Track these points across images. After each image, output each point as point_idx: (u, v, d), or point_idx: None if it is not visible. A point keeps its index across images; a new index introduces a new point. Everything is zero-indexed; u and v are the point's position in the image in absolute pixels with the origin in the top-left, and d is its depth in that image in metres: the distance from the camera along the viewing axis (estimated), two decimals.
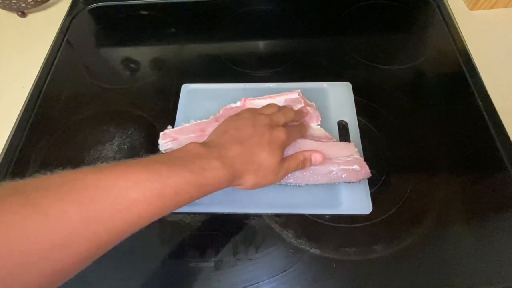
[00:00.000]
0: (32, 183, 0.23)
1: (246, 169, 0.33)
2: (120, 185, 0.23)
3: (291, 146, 0.42)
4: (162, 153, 0.31)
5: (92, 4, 0.69)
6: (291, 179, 0.42)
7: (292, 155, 0.39)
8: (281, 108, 0.42)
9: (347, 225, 0.41)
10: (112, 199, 0.23)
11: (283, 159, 0.37)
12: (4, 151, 0.49)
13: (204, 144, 0.33)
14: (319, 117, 0.47)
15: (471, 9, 0.62)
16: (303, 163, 0.39)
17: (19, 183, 0.24)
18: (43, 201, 0.21)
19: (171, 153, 0.30)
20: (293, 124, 0.42)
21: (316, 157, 0.40)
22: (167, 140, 0.45)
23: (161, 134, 0.46)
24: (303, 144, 0.43)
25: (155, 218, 0.25)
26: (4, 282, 0.19)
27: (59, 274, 0.22)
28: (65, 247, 0.21)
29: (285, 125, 0.39)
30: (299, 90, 0.49)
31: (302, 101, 0.48)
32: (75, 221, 0.21)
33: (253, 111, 0.40)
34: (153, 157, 0.28)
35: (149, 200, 0.24)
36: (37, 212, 0.21)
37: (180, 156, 0.29)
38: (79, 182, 0.23)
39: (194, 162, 0.29)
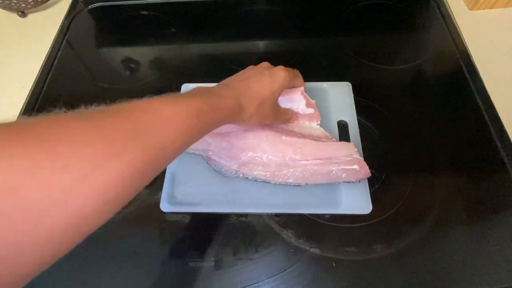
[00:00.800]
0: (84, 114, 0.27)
1: (250, 102, 0.37)
2: (156, 106, 0.27)
3: (292, 142, 0.42)
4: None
5: (92, 4, 0.69)
6: (291, 179, 0.42)
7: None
8: None
9: (347, 225, 0.41)
10: (151, 116, 0.26)
11: (280, 107, 0.43)
12: None
13: (215, 86, 0.37)
14: (319, 116, 0.47)
15: (471, 9, 0.62)
16: (288, 115, 0.45)
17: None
18: (97, 117, 0.25)
19: (187, 92, 0.34)
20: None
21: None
22: None
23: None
24: (304, 145, 0.43)
25: (189, 136, 0.29)
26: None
27: (115, 186, 0.22)
28: (118, 156, 0.22)
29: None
30: (302, 88, 0.48)
31: (304, 101, 0.48)
32: (124, 132, 0.24)
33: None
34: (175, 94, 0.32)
35: (180, 116, 0.28)
36: (94, 125, 0.24)
37: (195, 91, 0.33)
38: (125, 108, 0.27)
39: (209, 92, 0.34)
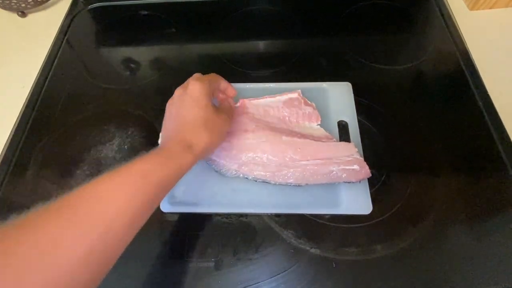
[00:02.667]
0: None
1: (196, 133, 0.35)
2: (95, 188, 0.28)
3: (291, 141, 0.42)
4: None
5: (92, 4, 0.69)
6: (291, 179, 0.42)
7: (220, 101, 0.43)
8: None
9: (347, 225, 0.41)
10: (89, 202, 0.27)
11: (217, 108, 0.39)
12: (4, 151, 0.49)
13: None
14: (319, 117, 0.47)
15: (471, 9, 0.62)
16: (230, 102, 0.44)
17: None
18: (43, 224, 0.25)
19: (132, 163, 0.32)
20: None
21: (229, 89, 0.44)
22: None
23: (161, 134, 0.46)
24: (304, 145, 0.43)
25: (139, 203, 0.28)
26: None
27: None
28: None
29: None
30: (299, 90, 0.49)
31: (302, 101, 0.48)
32: (56, 231, 0.24)
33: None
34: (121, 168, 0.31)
35: (121, 189, 0.28)
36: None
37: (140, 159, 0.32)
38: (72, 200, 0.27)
39: (150, 153, 0.32)
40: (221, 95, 0.44)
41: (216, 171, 0.44)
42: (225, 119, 0.39)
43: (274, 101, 0.48)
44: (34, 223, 0.24)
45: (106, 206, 0.26)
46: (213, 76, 0.42)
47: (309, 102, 0.48)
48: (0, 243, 0.22)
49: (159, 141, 0.45)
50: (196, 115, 0.36)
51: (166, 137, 0.36)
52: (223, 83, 0.44)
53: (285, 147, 0.43)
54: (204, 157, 0.36)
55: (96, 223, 0.25)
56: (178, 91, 0.39)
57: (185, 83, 0.40)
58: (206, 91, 0.37)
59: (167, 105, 0.40)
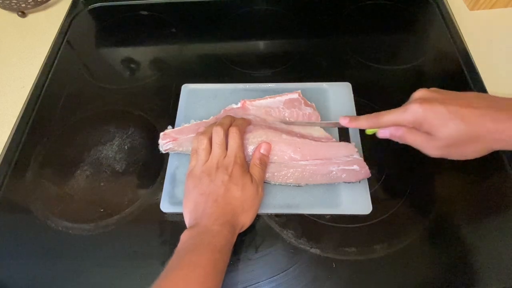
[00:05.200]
0: None
1: (236, 214, 0.38)
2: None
3: (290, 148, 0.42)
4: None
5: (92, 4, 0.69)
6: (291, 179, 0.42)
7: (250, 166, 0.41)
8: (222, 127, 0.41)
9: (347, 225, 0.41)
10: None
11: (250, 176, 0.40)
12: (4, 151, 0.49)
13: (193, 228, 0.37)
14: (319, 117, 0.47)
15: (471, 9, 0.62)
16: (262, 162, 0.41)
17: None
18: None
19: (186, 248, 0.35)
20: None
21: (264, 147, 0.42)
22: (167, 140, 0.45)
23: (161, 134, 0.46)
24: (304, 144, 0.43)
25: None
26: None
27: None
28: None
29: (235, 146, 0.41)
30: (299, 90, 0.49)
31: (302, 101, 0.48)
32: None
33: (200, 165, 0.40)
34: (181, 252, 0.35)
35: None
36: None
37: (187, 247, 0.35)
38: None
39: (201, 241, 0.35)
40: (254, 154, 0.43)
41: None
42: (259, 190, 0.40)
43: (274, 102, 0.48)
44: None
45: None
46: (240, 135, 0.41)
47: (309, 103, 0.48)
48: None
49: (160, 141, 0.45)
50: (238, 200, 0.38)
51: (204, 216, 0.37)
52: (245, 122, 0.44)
53: (285, 146, 0.43)
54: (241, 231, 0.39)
55: None
56: (211, 167, 0.39)
57: (216, 154, 0.40)
58: (246, 170, 0.40)
59: (195, 174, 0.40)
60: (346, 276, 0.38)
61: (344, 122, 0.40)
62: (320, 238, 0.40)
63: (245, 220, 0.38)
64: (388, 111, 0.37)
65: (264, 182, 0.42)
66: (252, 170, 0.41)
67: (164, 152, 0.46)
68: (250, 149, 0.43)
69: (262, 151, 0.42)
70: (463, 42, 0.57)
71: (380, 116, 0.37)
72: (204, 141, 0.41)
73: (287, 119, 0.47)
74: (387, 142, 0.47)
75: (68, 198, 0.45)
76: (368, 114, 0.39)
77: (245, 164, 0.40)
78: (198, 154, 0.41)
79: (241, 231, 0.39)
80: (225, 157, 0.40)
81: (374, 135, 0.40)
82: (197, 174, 0.40)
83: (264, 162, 0.42)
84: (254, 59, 0.59)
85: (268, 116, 0.47)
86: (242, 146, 0.41)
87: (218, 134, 0.40)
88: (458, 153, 0.36)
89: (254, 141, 0.43)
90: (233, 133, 0.41)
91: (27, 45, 0.64)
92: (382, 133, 0.39)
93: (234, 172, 0.39)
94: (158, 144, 0.46)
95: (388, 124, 0.37)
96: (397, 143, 0.48)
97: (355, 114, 0.49)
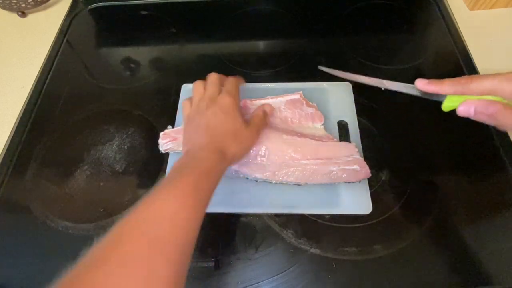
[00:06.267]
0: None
1: (226, 142, 0.36)
2: (159, 208, 0.29)
3: (291, 140, 0.42)
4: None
5: (92, 4, 0.69)
6: (292, 178, 0.42)
7: (252, 113, 0.43)
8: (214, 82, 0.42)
9: (347, 225, 0.41)
10: (159, 224, 0.28)
11: (248, 120, 0.40)
12: (4, 150, 0.49)
13: (183, 156, 0.36)
14: (322, 117, 0.47)
15: (471, 9, 0.62)
16: (265, 114, 0.43)
17: None
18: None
19: (172, 172, 0.34)
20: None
21: (267, 108, 0.44)
22: (167, 140, 0.45)
23: (161, 134, 0.46)
24: (304, 144, 0.43)
25: (198, 212, 0.30)
26: None
27: None
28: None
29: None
30: (301, 91, 0.49)
31: (304, 102, 0.48)
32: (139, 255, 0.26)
33: (194, 105, 0.41)
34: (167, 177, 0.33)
35: (182, 207, 0.29)
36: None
37: (178, 170, 0.33)
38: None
39: (188, 164, 0.34)
40: (250, 105, 0.45)
41: None
42: (253, 133, 0.39)
43: (275, 102, 0.48)
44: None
45: (172, 227, 0.27)
46: (235, 83, 0.42)
47: (311, 103, 0.48)
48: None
49: (159, 141, 0.45)
50: (227, 128, 0.37)
51: (195, 145, 0.37)
52: (239, 81, 0.45)
53: (285, 146, 0.43)
54: (234, 163, 0.38)
55: (174, 242, 0.27)
56: (203, 102, 0.40)
57: (209, 91, 0.40)
58: (236, 105, 0.39)
59: (190, 114, 0.41)
60: (346, 276, 0.38)
61: (421, 85, 0.34)
62: (320, 238, 0.40)
63: (236, 150, 0.37)
64: (481, 75, 0.30)
65: (264, 182, 0.42)
66: (252, 117, 0.41)
67: (164, 152, 0.46)
68: (251, 150, 0.43)
69: (265, 109, 0.44)
70: (463, 42, 0.57)
71: (471, 80, 0.30)
72: (200, 86, 0.42)
73: (289, 119, 0.47)
74: (387, 142, 0.47)
75: (68, 198, 0.45)
76: (454, 78, 0.31)
77: (238, 100, 0.40)
78: (193, 97, 0.41)
79: (233, 161, 0.37)
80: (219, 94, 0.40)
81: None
82: (191, 114, 0.40)
83: (266, 115, 0.43)
84: (254, 59, 0.59)
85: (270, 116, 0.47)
86: (237, 90, 0.41)
87: (213, 76, 0.42)
88: None
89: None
90: (230, 79, 0.42)
91: (27, 45, 0.64)
92: (466, 108, 0.31)
93: (225, 104, 0.38)
94: (158, 144, 0.46)
95: (480, 92, 0.30)
96: (396, 143, 0.47)
97: (355, 114, 0.49)
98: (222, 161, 0.35)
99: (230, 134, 0.37)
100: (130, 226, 0.27)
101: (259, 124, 0.41)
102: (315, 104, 0.48)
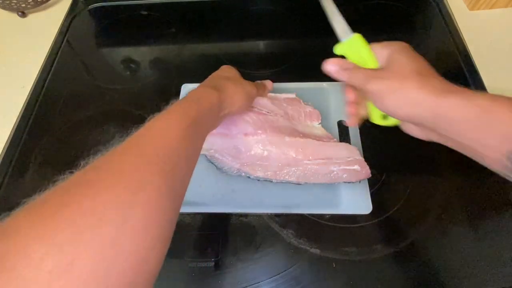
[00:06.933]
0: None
1: (221, 81, 0.38)
2: (149, 126, 0.30)
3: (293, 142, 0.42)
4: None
5: (92, 4, 0.69)
6: (293, 177, 0.42)
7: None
8: None
9: (347, 225, 0.41)
10: (149, 137, 0.29)
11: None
12: (4, 151, 0.49)
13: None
14: (319, 115, 0.47)
15: (471, 9, 0.62)
16: (260, 86, 0.45)
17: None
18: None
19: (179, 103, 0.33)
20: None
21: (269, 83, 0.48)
22: None
23: None
24: (306, 144, 0.43)
25: (189, 136, 0.29)
26: None
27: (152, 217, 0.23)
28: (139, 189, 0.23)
29: None
30: (295, 92, 0.49)
31: (301, 100, 0.48)
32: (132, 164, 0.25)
33: None
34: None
35: (174, 124, 0.29)
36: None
37: (178, 103, 0.33)
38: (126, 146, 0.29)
39: (186, 99, 0.33)
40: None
41: (218, 169, 0.44)
42: (250, 82, 0.41)
43: (276, 100, 0.48)
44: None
45: (162, 142, 0.27)
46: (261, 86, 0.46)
47: (305, 103, 0.48)
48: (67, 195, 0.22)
49: None
50: (224, 76, 0.40)
51: (211, 84, 0.38)
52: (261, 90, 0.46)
53: (287, 148, 0.43)
54: (231, 106, 0.37)
55: (161, 160, 0.26)
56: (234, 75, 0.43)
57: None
58: (233, 69, 0.43)
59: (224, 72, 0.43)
60: (346, 276, 0.38)
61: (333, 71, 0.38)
62: (320, 238, 0.40)
63: (233, 90, 0.37)
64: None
65: (265, 181, 0.42)
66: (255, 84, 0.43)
67: None
68: (253, 152, 0.43)
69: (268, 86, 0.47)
70: (463, 42, 0.57)
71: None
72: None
73: (290, 114, 0.47)
74: (387, 142, 0.47)
75: None
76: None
77: (235, 70, 0.43)
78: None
79: (232, 106, 0.37)
80: None
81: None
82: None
83: (262, 88, 0.46)
84: (254, 59, 0.59)
85: (271, 113, 0.47)
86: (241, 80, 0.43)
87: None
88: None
89: (257, 142, 0.43)
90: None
91: (27, 45, 0.64)
92: (328, 66, 0.38)
93: (230, 70, 0.43)
94: None
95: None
96: (396, 143, 0.48)
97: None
98: (213, 94, 0.34)
99: (223, 77, 0.39)
100: (123, 144, 0.28)
101: (252, 87, 0.42)
102: (310, 104, 0.48)
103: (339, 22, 0.40)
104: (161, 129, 0.29)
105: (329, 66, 0.37)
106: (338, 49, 0.39)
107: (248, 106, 0.42)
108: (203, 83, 0.39)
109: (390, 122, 0.37)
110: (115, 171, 0.24)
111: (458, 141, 0.29)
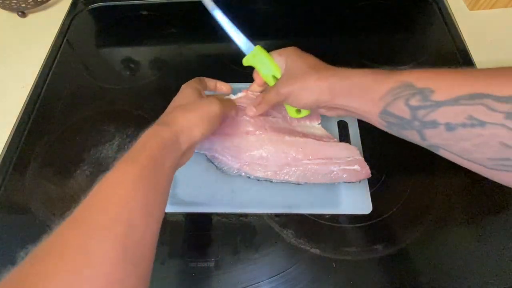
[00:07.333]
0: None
1: (172, 113, 0.35)
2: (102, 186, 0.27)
3: (293, 140, 0.42)
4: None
5: (92, 4, 0.69)
6: (293, 177, 0.42)
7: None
8: None
9: (347, 225, 0.41)
10: (100, 201, 0.26)
11: (204, 96, 0.40)
12: (4, 151, 0.49)
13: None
14: (319, 116, 0.47)
15: (471, 9, 0.62)
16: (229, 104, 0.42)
17: None
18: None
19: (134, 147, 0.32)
20: None
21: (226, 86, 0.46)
22: None
23: None
24: (306, 144, 0.43)
25: (144, 185, 0.28)
26: None
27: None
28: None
29: None
30: None
31: None
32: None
33: None
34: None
35: (125, 177, 0.28)
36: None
37: (129, 150, 0.31)
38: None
39: (138, 143, 0.32)
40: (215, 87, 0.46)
41: (219, 169, 0.44)
42: (211, 101, 0.37)
43: None
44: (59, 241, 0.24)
45: (115, 205, 0.26)
46: (197, 78, 0.43)
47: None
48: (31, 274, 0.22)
49: None
50: (175, 102, 0.38)
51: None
52: (210, 82, 0.45)
53: (287, 148, 0.43)
54: (190, 135, 0.34)
55: (113, 227, 0.24)
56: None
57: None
58: (190, 86, 0.40)
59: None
60: (346, 276, 0.38)
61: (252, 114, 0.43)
62: (320, 238, 0.40)
63: (187, 119, 0.34)
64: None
65: (265, 181, 0.42)
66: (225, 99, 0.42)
67: None
68: (253, 152, 0.43)
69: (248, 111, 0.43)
70: (463, 42, 0.57)
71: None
72: None
73: (289, 117, 0.47)
74: (387, 142, 0.47)
75: (68, 198, 0.45)
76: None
77: (194, 86, 0.41)
78: None
79: (190, 135, 0.34)
80: None
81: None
82: None
83: (228, 104, 0.41)
84: None
85: (270, 114, 0.47)
86: (198, 81, 0.42)
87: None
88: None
89: (257, 142, 0.43)
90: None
91: (27, 45, 0.64)
92: (251, 109, 0.43)
93: (181, 89, 0.40)
94: None
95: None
96: (396, 143, 0.47)
97: None
98: (162, 131, 0.32)
99: (177, 107, 0.37)
100: (69, 219, 0.25)
101: (223, 100, 0.39)
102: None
103: (239, 38, 0.43)
104: (107, 188, 0.27)
105: (250, 114, 0.43)
106: (245, 62, 0.43)
107: (217, 126, 0.37)
108: (157, 121, 0.36)
109: (303, 113, 0.43)
110: (59, 252, 0.23)
111: (352, 112, 0.36)
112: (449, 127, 0.26)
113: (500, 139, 0.23)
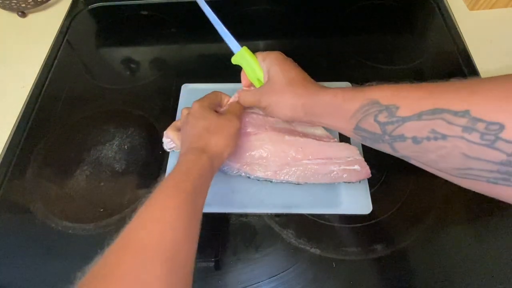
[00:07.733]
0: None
1: (203, 139, 0.37)
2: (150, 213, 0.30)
3: (292, 141, 0.42)
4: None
5: (92, 4, 0.69)
6: (293, 177, 0.42)
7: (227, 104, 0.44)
8: None
9: (347, 225, 0.41)
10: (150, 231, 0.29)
11: (223, 112, 0.42)
12: (4, 151, 0.49)
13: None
14: None
15: (471, 9, 0.62)
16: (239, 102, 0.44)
17: None
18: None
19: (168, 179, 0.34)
20: None
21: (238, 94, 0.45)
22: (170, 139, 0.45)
23: (165, 132, 0.46)
24: (306, 144, 0.43)
25: (188, 211, 0.31)
26: None
27: None
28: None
29: None
30: None
31: None
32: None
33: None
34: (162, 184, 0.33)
35: (175, 208, 0.30)
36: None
37: (169, 177, 0.34)
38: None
39: (176, 170, 0.34)
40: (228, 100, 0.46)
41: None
42: (230, 118, 0.40)
43: None
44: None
45: (158, 233, 0.28)
46: (212, 93, 0.44)
47: None
48: None
49: (164, 139, 0.45)
50: (199, 126, 0.39)
51: (181, 154, 0.38)
52: (225, 97, 0.45)
53: (287, 147, 0.43)
54: (221, 158, 0.38)
55: (160, 250, 0.27)
56: (184, 111, 0.43)
57: (191, 108, 0.42)
58: (205, 105, 0.41)
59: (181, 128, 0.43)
60: (346, 276, 0.38)
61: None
62: (320, 238, 0.40)
63: (216, 141, 0.37)
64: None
65: (265, 181, 0.42)
66: (227, 106, 0.43)
67: (168, 150, 0.46)
68: (253, 151, 0.43)
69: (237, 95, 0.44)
70: (463, 42, 0.57)
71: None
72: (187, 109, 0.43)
73: None
74: None
75: (68, 198, 0.45)
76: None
77: (206, 104, 0.41)
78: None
79: (219, 152, 0.37)
80: None
81: None
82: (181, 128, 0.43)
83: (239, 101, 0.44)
84: None
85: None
86: (208, 98, 0.43)
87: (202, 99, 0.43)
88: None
89: (257, 142, 0.43)
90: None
91: (27, 45, 0.64)
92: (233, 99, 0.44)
93: (194, 110, 0.40)
94: (157, 144, 0.46)
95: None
96: None
97: None
98: (201, 155, 0.35)
99: (203, 131, 0.38)
100: (118, 241, 0.28)
101: (235, 109, 0.42)
102: None
103: (229, 38, 0.45)
104: (155, 213, 0.29)
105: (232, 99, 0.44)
106: (233, 60, 0.44)
107: (238, 142, 0.41)
108: (186, 141, 0.39)
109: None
110: (117, 277, 0.25)
111: (328, 127, 0.37)
112: (416, 140, 0.27)
113: (461, 150, 0.24)
